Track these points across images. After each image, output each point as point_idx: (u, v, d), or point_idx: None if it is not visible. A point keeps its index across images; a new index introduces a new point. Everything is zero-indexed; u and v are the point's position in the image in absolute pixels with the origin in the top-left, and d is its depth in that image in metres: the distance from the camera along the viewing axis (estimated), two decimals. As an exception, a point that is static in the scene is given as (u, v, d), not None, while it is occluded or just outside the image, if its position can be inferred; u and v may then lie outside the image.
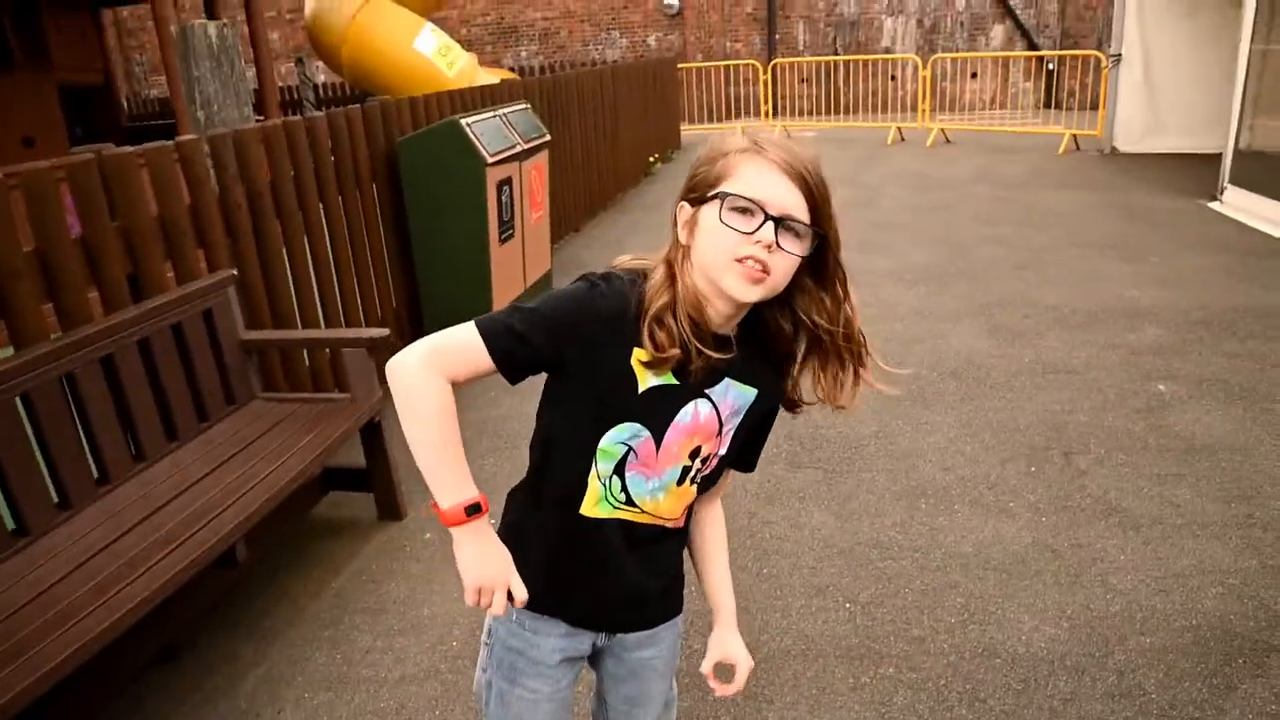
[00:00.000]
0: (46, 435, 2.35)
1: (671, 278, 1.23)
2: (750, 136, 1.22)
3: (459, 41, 11.25)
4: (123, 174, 2.86)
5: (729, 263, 1.17)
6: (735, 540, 2.85)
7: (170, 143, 3.16)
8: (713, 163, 1.22)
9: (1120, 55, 9.84)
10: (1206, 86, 8.96)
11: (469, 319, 1.23)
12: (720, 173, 1.20)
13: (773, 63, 14.69)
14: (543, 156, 5.41)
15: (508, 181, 4.78)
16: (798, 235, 1.18)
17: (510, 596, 1.24)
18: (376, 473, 3.24)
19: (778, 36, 15.75)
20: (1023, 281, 5.72)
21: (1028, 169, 9.73)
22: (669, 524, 1.36)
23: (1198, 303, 5.12)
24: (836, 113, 14.47)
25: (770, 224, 1.16)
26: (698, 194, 1.23)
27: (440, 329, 1.24)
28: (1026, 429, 3.71)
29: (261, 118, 3.82)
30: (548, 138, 5.45)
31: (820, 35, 15.71)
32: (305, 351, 3.87)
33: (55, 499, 2.39)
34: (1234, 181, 7.36)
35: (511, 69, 14.55)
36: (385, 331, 3.20)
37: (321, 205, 4.02)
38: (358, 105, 4.42)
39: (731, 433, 1.33)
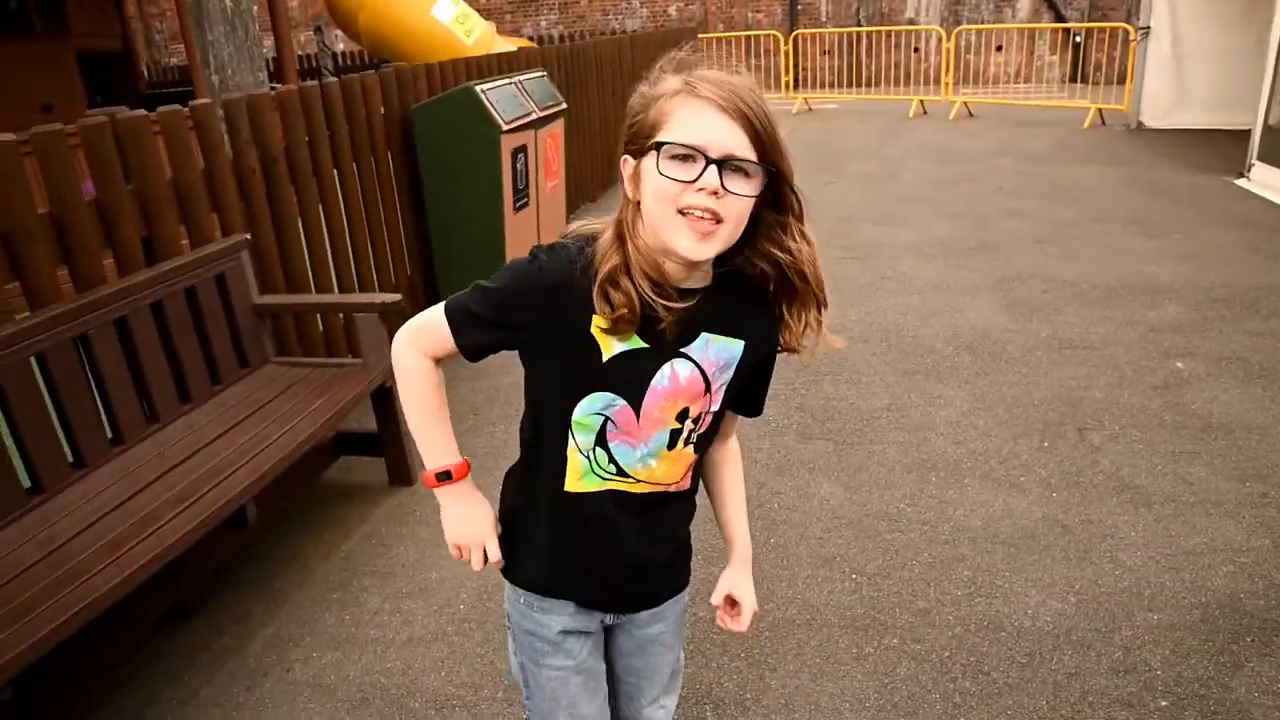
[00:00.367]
0: (61, 396, 2.37)
1: (621, 237, 1.16)
2: (683, 76, 1.13)
3: (478, 10, 11.17)
4: (136, 137, 2.86)
5: (674, 216, 1.10)
6: (743, 510, 2.85)
7: (184, 107, 3.16)
8: (646, 109, 1.14)
9: (1149, 28, 9.63)
10: (1236, 60, 8.78)
11: None
12: (655, 119, 1.12)
13: (794, 33, 14.51)
14: (559, 125, 5.38)
15: (523, 149, 4.76)
16: (747, 175, 1.10)
17: (487, 558, 1.36)
18: (387, 438, 3.25)
19: (800, 7, 15.54)
20: (1043, 255, 5.65)
21: (1052, 143, 9.59)
22: (671, 488, 1.32)
23: (1220, 280, 5.04)
24: (858, 85, 14.30)
25: (713, 168, 1.08)
26: (636, 145, 1.15)
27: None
28: (1041, 404, 3.68)
29: (278, 85, 3.82)
30: (564, 106, 5.42)
31: (843, 6, 15.48)
32: (318, 316, 3.89)
33: (70, 458, 2.42)
34: (1262, 158, 7.22)
35: (531, 38, 14.42)
36: (397, 297, 3.21)
37: (336, 171, 4.02)
38: (373, 71, 4.40)
39: (724, 388, 1.27)
